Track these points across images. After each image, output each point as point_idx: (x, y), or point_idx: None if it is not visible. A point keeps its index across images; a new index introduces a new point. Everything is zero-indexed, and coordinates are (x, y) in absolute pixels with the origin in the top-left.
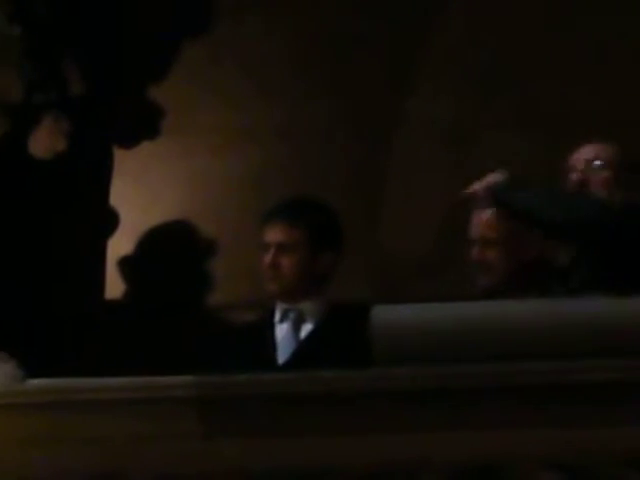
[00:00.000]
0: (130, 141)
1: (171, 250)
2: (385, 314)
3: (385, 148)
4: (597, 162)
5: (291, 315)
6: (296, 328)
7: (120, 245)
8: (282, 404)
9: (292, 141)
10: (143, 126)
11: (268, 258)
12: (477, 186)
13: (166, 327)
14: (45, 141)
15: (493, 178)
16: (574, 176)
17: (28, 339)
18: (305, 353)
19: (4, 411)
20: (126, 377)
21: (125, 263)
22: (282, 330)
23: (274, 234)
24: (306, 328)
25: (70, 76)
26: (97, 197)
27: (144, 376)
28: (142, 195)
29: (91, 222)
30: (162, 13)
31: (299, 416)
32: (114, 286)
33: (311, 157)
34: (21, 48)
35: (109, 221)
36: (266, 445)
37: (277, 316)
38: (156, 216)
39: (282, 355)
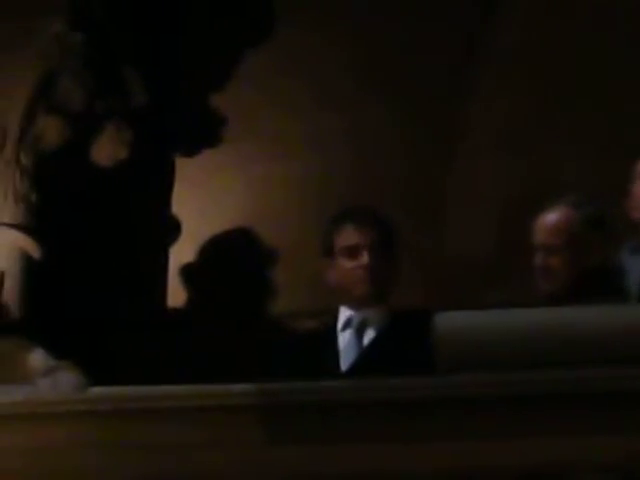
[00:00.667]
0: (192, 149)
1: (232, 258)
2: (447, 321)
3: (446, 154)
4: None
5: (354, 322)
6: (359, 335)
7: (182, 253)
8: (342, 411)
9: (353, 148)
10: (205, 134)
11: (365, 259)
12: None
13: (228, 335)
14: (107, 149)
15: None
16: None
17: (91, 348)
18: (367, 360)
19: (68, 419)
20: (188, 385)
21: (187, 271)
22: (345, 337)
23: (363, 236)
24: (369, 335)
25: (132, 84)
26: (159, 205)
27: (206, 384)
28: (204, 203)
29: (153, 230)
30: (224, 21)
31: (359, 423)
32: (176, 294)
33: (372, 164)
34: (83, 56)
35: (171, 229)
36: (327, 452)
37: (340, 323)
38: (217, 224)
39: (345, 362)
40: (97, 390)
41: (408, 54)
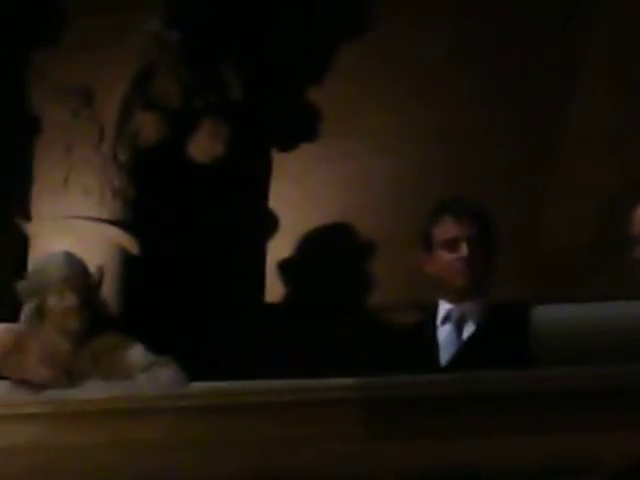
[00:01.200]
0: (289, 144)
1: (330, 252)
2: (547, 315)
3: (545, 149)
4: None
5: (453, 316)
6: (458, 329)
7: (280, 247)
8: (444, 405)
9: (451, 143)
10: (302, 129)
11: (464, 251)
12: None
13: (327, 329)
14: (205, 145)
15: None
16: None
17: (190, 343)
18: (467, 354)
19: (168, 414)
20: (287, 380)
21: (285, 265)
22: (444, 331)
23: (463, 228)
24: (468, 329)
25: (229, 80)
26: (256, 200)
27: (305, 378)
28: (301, 197)
29: (251, 225)
30: (322, 16)
31: (461, 417)
32: (274, 288)
33: (470, 159)
34: (180, 53)
35: (269, 224)
36: (428, 446)
37: (440, 317)
38: (315, 218)
39: (444, 356)
40: (196, 385)
41: (507, 50)
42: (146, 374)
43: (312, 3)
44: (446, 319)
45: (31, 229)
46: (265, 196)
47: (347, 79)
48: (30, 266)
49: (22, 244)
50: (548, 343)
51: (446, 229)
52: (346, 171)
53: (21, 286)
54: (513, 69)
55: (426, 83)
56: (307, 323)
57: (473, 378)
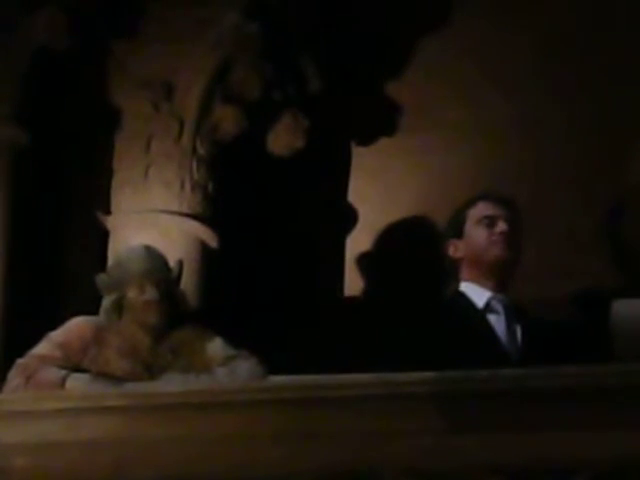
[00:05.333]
0: (368, 138)
1: (409, 247)
2: (626, 308)
3: (625, 144)
4: None
5: (498, 304)
6: (509, 318)
7: (359, 242)
8: (522, 399)
9: (529, 137)
10: (381, 123)
11: (501, 228)
12: None
13: (404, 323)
14: (284, 138)
15: None
16: None
17: (269, 336)
18: (535, 347)
19: (247, 408)
20: (367, 373)
21: (364, 260)
22: (492, 317)
23: (500, 209)
24: (521, 319)
25: (308, 73)
26: (335, 194)
27: (385, 372)
28: (380, 192)
29: (329, 219)
30: (403, 9)
31: (539, 411)
32: (353, 282)
33: (548, 153)
34: (259, 46)
35: (347, 218)
36: (507, 440)
37: (480, 304)
38: (394, 212)
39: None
40: (275, 379)
41: (590, 46)
42: (225, 367)
43: None
44: (489, 307)
45: (111, 223)
46: (344, 190)
47: (427, 73)
48: (110, 260)
49: (102, 238)
50: (627, 337)
51: (484, 208)
52: (425, 165)
53: (101, 280)
54: (596, 65)
55: (507, 77)
56: (386, 317)
57: (548, 372)
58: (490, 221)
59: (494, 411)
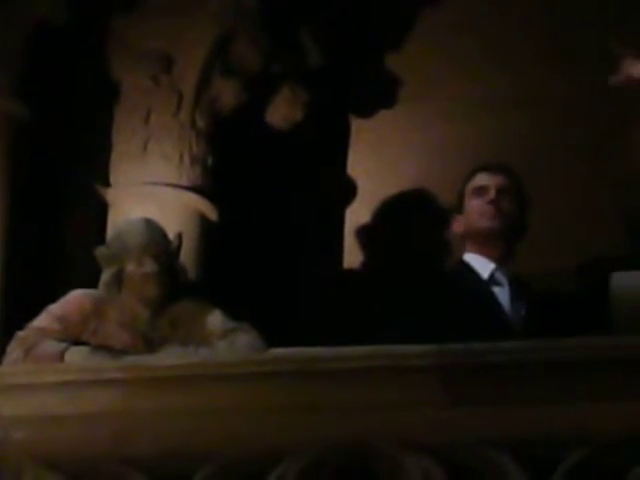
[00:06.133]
0: (368, 111)
1: (407, 220)
2: (625, 281)
3: (625, 117)
4: None
5: (502, 277)
6: (515, 290)
7: (358, 214)
8: (523, 372)
9: (528, 111)
10: (380, 96)
11: (489, 196)
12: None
13: (403, 295)
14: (283, 111)
15: None
16: None
17: (268, 309)
18: (538, 318)
19: (246, 380)
20: (366, 346)
21: (362, 232)
22: (499, 292)
23: (493, 179)
24: (525, 291)
25: (307, 45)
26: (334, 166)
27: (384, 345)
28: (379, 164)
29: (329, 191)
30: None
31: (540, 384)
32: (351, 255)
33: (546, 127)
34: (259, 19)
35: (347, 190)
36: (508, 413)
37: (485, 275)
38: (393, 185)
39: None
40: (275, 352)
41: (586, 19)
42: (224, 340)
43: None
44: (493, 278)
45: (110, 196)
46: (343, 163)
47: (425, 46)
48: (109, 232)
49: (102, 211)
50: (625, 309)
51: (479, 179)
52: (424, 139)
53: (100, 252)
54: (594, 38)
55: (504, 50)
56: (384, 289)
57: (549, 344)
58: (482, 191)
59: (495, 384)
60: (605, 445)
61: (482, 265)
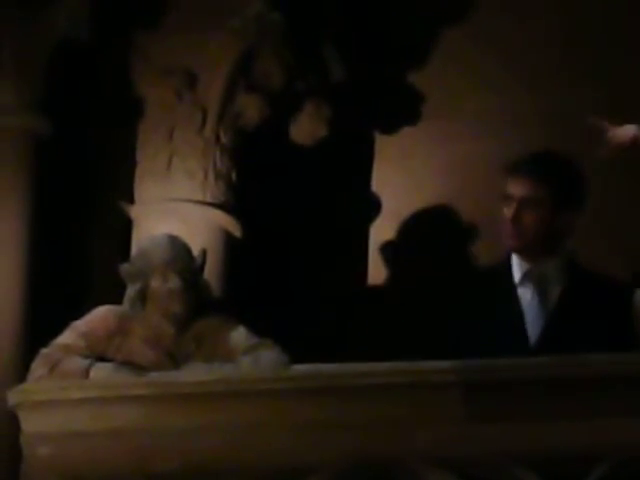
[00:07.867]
0: (392, 127)
1: (432, 236)
2: None
3: None
4: None
5: (534, 277)
6: (541, 292)
7: (382, 230)
8: (545, 388)
9: (555, 127)
10: (404, 111)
11: (510, 211)
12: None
13: (427, 311)
14: (306, 127)
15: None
16: None
17: (292, 325)
18: (560, 325)
19: (270, 397)
20: (389, 362)
21: (387, 248)
22: (526, 293)
23: (519, 188)
24: (552, 292)
25: (331, 61)
26: (359, 183)
27: (407, 361)
28: (403, 180)
29: (353, 207)
30: None
31: (562, 399)
32: (376, 271)
33: (574, 143)
34: (282, 35)
35: (371, 206)
36: (530, 428)
37: (517, 277)
38: (418, 201)
39: (531, 321)
40: (298, 368)
41: (614, 35)
42: (248, 356)
43: None
44: (525, 279)
45: (134, 212)
46: (367, 179)
47: (450, 61)
48: (134, 249)
49: (126, 227)
50: None
51: (510, 184)
52: (448, 154)
53: (125, 269)
54: (620, 54)
55: (529, 65)
56: (407, 306)
57: (572, 360)
58: (507, 201)
59: (517, 400)
60: (627, 461)
61: (517, 265)
